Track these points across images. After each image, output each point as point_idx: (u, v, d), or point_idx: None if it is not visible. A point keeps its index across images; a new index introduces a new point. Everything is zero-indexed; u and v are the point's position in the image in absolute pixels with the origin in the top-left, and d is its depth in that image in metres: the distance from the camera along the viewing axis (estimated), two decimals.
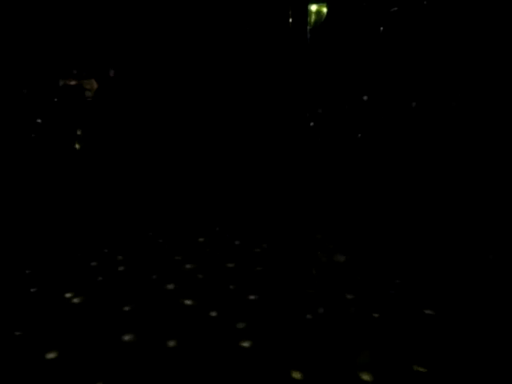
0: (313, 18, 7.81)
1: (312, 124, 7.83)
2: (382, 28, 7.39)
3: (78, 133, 7.50)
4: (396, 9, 7.31)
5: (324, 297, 2.76)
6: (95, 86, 8.22)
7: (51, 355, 2.20)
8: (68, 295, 2.83)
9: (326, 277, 3.07)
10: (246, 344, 2.26)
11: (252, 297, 2.80)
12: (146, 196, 5.16)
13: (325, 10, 7.72)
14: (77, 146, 6.86)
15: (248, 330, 2.39)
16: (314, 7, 7.77)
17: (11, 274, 3.16)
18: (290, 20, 7.89)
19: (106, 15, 8.14)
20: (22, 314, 2.62)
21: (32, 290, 2.89)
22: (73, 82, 7.92)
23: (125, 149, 7.50)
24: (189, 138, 7.82)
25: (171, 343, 2.26)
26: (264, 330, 2.34)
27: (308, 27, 7.82)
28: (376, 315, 2.53)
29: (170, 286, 2.96)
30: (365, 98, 7.92)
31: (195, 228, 4.16)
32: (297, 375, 2.01)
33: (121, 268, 3.21)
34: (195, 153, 7.56)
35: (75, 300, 2.78)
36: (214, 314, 2.59)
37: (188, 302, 2.74)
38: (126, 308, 2.66)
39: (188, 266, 3.29)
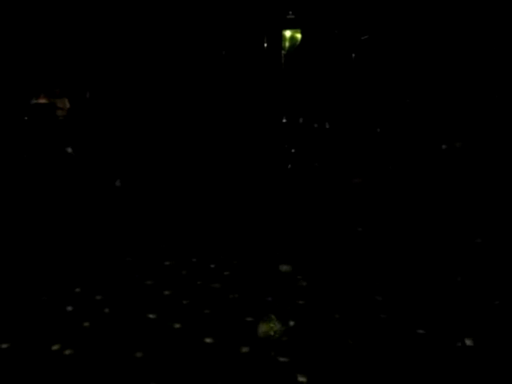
0: (287, 43, 8.04)
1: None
2: (353, 54, 7.68)
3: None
4: (367, 37, 7.62)
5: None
6: (68, 105, 8.09)
7: None
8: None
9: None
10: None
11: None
12: (110, 223, 5.02)
13: (299, 35, 7.97)
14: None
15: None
16: (288, 33, 8.00)
17: None
18: (265, 45, 8.11)
19: (83, 35, 8.11)
20: None
21: None
22: (44, 101, 7.78)
23: (98, 167, 7.36)
24: (167, 157, 7.76)
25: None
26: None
27: (282, 52, 8.04)
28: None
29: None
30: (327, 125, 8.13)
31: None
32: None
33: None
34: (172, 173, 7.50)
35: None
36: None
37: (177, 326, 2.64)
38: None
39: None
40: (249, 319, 2.63)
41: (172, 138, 7.84)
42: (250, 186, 6.82)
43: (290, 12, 7.80)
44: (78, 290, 3.02)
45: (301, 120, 8.01)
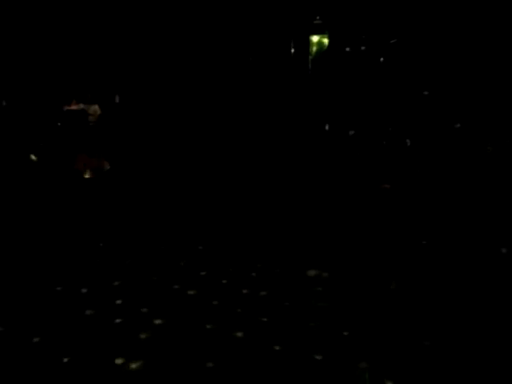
0: (314, 48, 8.03)
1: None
2: (382, 58, 7.60)
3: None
4: (395, 40, 7.54)
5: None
6: (98, 111, 8.27)
7: None
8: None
9: None
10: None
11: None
12: (140, 225, 5.10)
13: (326, 40, 7.94)
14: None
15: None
16: (315, 38, 7.99)
17: None
18: (292, 50, 8.12)
19: (111, 42, 8.28)
20: None
21: None
22: (76, 107, 7.97)
23: (128, 174, 7.48)
24: (195, 167, 7.83)
25: None
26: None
27: (309, 57, 8.03)
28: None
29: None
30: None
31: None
32: None
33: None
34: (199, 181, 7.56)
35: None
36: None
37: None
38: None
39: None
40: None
41: (202, 140, 7.91)
42: (276, 192, 6.81)
43: (318, 17, 7.80)
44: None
45: (327, 126, 7.97)
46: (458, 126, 6.85)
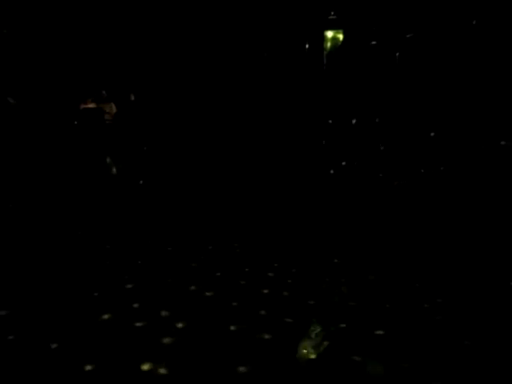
0: (329, 43, 7.96)
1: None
2: (397, 53, 7.50)
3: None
4: (412, 35, 7.43)
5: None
6: (114, 109, 8.35)
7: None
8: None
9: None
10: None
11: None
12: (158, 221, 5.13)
13: (341, 36, 7.87)
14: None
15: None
16: (330, 33, 7.92)
17: None
18: (307, 46, 8.06)
19: (125, 41, 8.33)
20: None
21: None
22: (92, 105, 8.05)
23: (145, 172, 7.55)
24: (210, 162, 7.87)
25: None
26: None
27: (324, 52, 7.96)
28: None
29: None
30: (377, 120, 7.98)
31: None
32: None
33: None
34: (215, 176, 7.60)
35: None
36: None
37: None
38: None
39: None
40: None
41: (215, 135, 7.94)
42: (293, 187, 6.81)
43: (332, 12, 7.73)
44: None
45: (342, 120, 7.92)
46: (477, 119, 6.74)
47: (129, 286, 3.12)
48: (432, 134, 6.98)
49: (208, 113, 8.17)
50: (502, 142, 6.50)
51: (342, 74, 8.01)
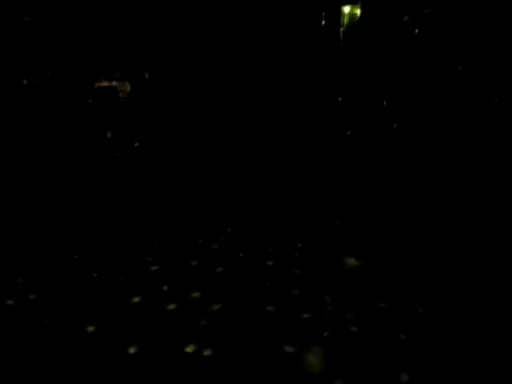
0: (346, 19, 7.78)
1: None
2: (416, 30, 7.31)
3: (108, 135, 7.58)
4: (430, 10, 7.21)
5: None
6: (129, 88, 8.32)
7: None
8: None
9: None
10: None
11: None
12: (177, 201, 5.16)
13: (358, 11, 7.67)
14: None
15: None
16: (347, 9, 7.73)
17: None
18: (323, 22, 7.88)
19: (138, 19, 8.23)
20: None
21: None
22: (107, 84, 8.03)
23: (158, 151, 7.56)
24: (224, 144, 7.85)
25: None
26: None
27: (341, 29, 7.79)
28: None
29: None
30: (395, 100, 7.85)
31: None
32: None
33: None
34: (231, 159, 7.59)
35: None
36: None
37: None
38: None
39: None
40: None
41: (231, 115, 7.90)
42: (309, 166, 6.79)
43: None
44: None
45: (359, 99, 7.81)
46: (497, 100, 6.61)
47: (154, 267, 3.19)
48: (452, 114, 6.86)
49: (223, 86, 8.10)
50: None
51: (359, 51, 7.85)
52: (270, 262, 3.28)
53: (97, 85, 8.21)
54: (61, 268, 3.14)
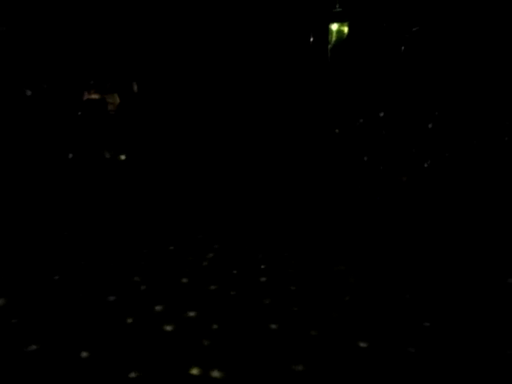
0: (333, 37, 7.92)
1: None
2: (403, 47, 7.48)
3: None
4: (417, 28, 7.40)
5: None
6: (118, 100, 8.32)
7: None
8: None
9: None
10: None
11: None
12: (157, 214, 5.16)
13: (346, 29, 7.82)
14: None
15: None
16: (334, 26, 7.87)
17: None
18: (311, 39, 8.01)
19: (127, 32, 8.26)
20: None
21: None
22: (95, 96, 8.02)
23: (147, 164, 7.55)
24: (213, 154, 7.88)
25: None
26: None
27: (329, 46, 7.93)
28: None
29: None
30: (381, 114, 8.00)
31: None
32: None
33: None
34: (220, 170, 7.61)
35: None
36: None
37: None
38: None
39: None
40: None
41: (220, 132, 7.95)
42: (295, 182, 6.84)
43: (337, 5, 7.67)
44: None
45: (346, 115, 7.93)
46: (483, 113, 6.76)
47: (143, 287, 3.14)
48: (434, 127, 7.01)
49: (211, 101, 8.15)
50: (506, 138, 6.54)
51: (346, 68, 7.99)
52: (263, 279, 3.29)
53: (86, 97, 8.19)
54: (42, 290, 3.02)
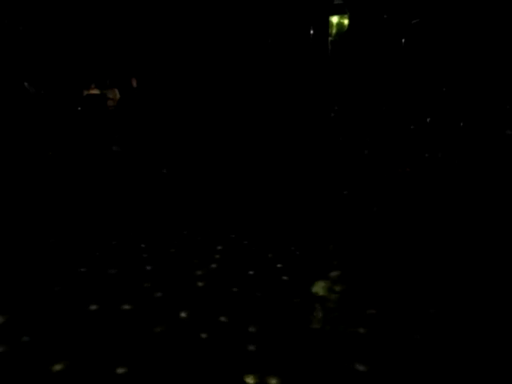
0: (334, 29, 7.88)
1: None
2: (403, 39, 7.44)
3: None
4: (417, 20, 7.36)
5: None
6: (118, 95, 8.32)
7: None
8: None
9: None
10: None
11: None
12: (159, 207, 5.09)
13: (346, 21, 7.78)
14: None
15: None
16: (335, 19, 7.83)
17: None
18: (312, 31, 7.99)
19: (127, 28, 8.27)
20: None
21: None
22: (96, 92, 8.03)
23: (147, 157, 7.53)
24: (212, 148, 7.85)
25: None
26: None
27: (329, 38, 7.89)
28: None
29: None
30: (382, 107, 7.96)
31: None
32: None
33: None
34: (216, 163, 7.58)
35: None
36: None
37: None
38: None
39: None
40: None
41: (220, 125, 7.92)
42: (299, 174, 6.79)
43: None
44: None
45: (348, 107, 7.89)
46: (483, 108, 6.71)
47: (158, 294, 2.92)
48: (429, 120, 6.96)
49: (210, 97, 8.14)
50: (508, 131, 6.48)
51: (347, 60, 7.95)
52: (285, 277, 3.19)
53: (86, 92, 8.20)
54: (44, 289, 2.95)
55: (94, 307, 2.72)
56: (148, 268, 3.33)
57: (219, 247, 3.80)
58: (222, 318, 2.59)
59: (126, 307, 2.74)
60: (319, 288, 3.06)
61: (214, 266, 3.40)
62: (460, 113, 7.01)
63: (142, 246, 3.76)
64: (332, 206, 5.14)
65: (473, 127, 6.71)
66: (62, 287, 3.00)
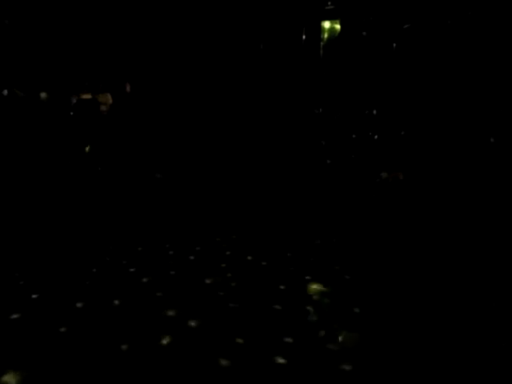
0: (326, 34, 7.92)
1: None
2: (394, 44, 7.47)
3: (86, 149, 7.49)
4: (409, 25, 7.39)
5: None
6: (110, 100, 8.28)
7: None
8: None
9: None
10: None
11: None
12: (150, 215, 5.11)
13: (338, 26, 7.82)
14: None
15: None
16: (327, 24, 7.87)
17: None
18: (304, 37, 8.01)
19: (121, 31, 8.24)
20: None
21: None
22: (88, 96, 7.98)
23: (139, 165, 7.51)
24: (205, 156, 7.85)
25: None
26: None
27: (321, 43, 7.92)
28: None
29: None
30: (374, 111, 7.98)
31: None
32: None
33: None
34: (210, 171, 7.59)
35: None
36: None
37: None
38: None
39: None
40: None
41: (211, 132, 7.92)
42: (288, 180, 6.82)
43: (329, 2, 7.67)
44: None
45: (338, 113, 7.91)
46: (474, 113, 6.75)
47: (159, 294, 2.94)
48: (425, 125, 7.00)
49: (203, 104, 8.14)
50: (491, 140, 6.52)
51: (339, 66, 7.97)
52: (282, 287, 3.23)
53: (78, 97, 8.15)
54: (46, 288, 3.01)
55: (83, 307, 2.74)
56: (144, 280, 3.37)
57: (191, 257, 3.85)
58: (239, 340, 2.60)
59: (117, 303, 2.80)
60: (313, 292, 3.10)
61: (208, 281, 3.44)
62: (449, 118, 7.06)
63: (139, 248, 3.79)
64: (315, 210, 5.17)
65: (460, 133, 6.76)
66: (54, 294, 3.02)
